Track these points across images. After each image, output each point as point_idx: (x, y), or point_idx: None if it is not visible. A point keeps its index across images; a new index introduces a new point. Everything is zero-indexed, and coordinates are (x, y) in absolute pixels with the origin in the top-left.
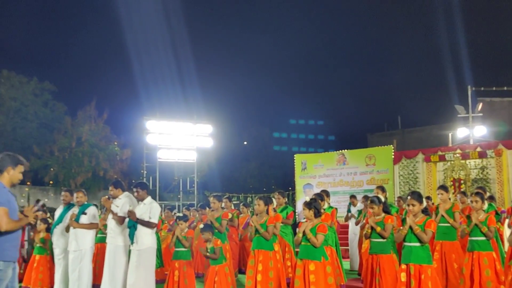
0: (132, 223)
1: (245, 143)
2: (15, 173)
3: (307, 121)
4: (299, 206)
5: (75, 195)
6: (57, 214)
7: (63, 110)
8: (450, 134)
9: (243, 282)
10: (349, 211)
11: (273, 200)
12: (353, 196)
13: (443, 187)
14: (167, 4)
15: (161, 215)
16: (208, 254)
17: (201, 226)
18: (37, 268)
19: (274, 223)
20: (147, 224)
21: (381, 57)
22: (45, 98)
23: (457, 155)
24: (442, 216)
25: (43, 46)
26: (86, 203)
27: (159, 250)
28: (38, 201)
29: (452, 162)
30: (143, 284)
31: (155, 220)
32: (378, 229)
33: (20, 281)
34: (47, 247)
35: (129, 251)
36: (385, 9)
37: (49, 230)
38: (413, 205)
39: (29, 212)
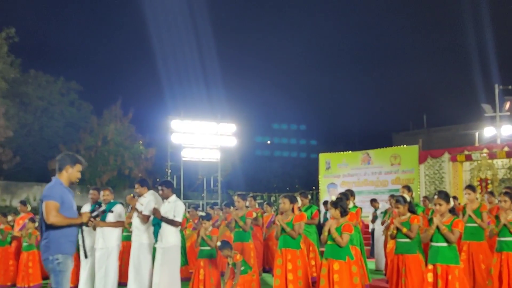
0: (156, 221)
1: (269, 142)
2: (73, 172)
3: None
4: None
5: (102, 193)
6: (84, 211)
7: (89, 110)
8: (476, 134)
9: (267, 281)
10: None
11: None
12: (374, 200)
13: (470, 187)
14: (192, 4)
15: (186, 214)
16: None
17: (219, 244)
18: None
19: (300, 222)
20: (172, 222)
21: (406, 56)
22: (72, 97)
23: (484, 154)
24: (470, 216)
25: (70, 46)
26: (112, 201)
27: (184, 248)
28: (99, 205)
29: (479, 161)
30: (168, 282)
31: (179, 218)
32: (404, 230)
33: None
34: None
35: (154, 249)
36: (411, 7)
37: None
38: (440, 204)
39: (85, 214)
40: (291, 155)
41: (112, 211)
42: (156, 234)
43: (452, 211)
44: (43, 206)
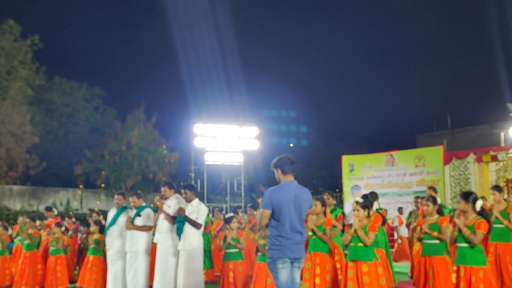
0: (181, 218)
1: (291, 145)
2: None
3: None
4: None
5: (130, 198)
6: (110, 216)
7: (113, 115)
8: (502, 134)
9: None
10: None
11: None
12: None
13: (496, 187)
14: (215, 8)
15: (210, 217)
16: (261, 247)
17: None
18: (91, 269)
19: (331, 225)
20: (194, 223)
21: (429, 55)
22: (96, 103)
23: (510, 155)
24: (496, 217)
25: (93, 52)
26: (142, 205)
27: (209, 251)
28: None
29: (504, 162)
30: (192, 284)
31: (201, 221)
32: (435, 234)
33: (75, 281)
34: (100, 248)
35: (178, 251)
36: (436, 6)
37: (102, 231)
38: (458, 202)
39: None
40: (314, 157)
41: (140, 215)
42: (179, 232)
43: (482, 212)
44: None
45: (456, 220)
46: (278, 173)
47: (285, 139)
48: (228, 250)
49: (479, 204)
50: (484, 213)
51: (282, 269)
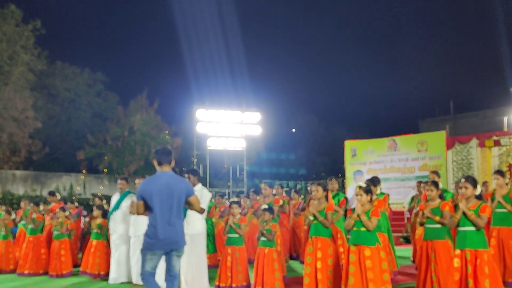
0: None
1: (294, 130)
2: None
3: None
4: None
5: (136, 180)
6: (114, 201)
7: (115, 100)
8: (505, 119)
9: (293, 268)
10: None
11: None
12: None
13: (499, 172)
14: None
15: (213, 201)
16: (264, 232)
17: (265, 206)
18: (94, 253)
19: (333, 210)
20: None
21: (432, 40)
22: (98, 88)
23: None
24: (499, 201)
25: (95, 37)
26: None
27: (212, 236)
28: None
29: (507, 147)
30: (195, 269)
31: (204, 205)
32: (437, 218)
33: (78, 265)
34: (103, 233)
35: None
36: None
37: (105, 216)
38: (466, 188)
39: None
40: (316, 142)
41: None
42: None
43: (479, 197)
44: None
45: (460, 204)
46: (154, 164)
47: (287, 124)
48: (229, 235)
49: (479, 189)
50: (482, 198)
51: (150, 260)
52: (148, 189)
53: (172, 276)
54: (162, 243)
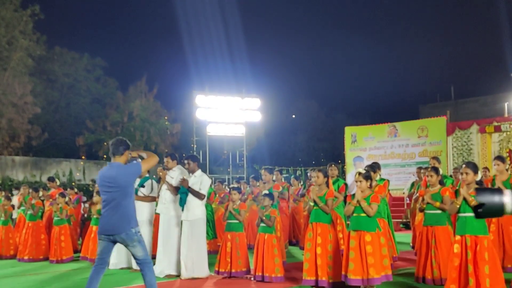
0: (184, 190)
1: (294, 116)
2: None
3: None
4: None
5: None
6: None
7: (114, 86)
8: (506, 104)
9: (293, 253)
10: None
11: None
12: None
13: (500, 158)
14: None
15: (213, 187)
16: (264, 218)
17: (265, 192)
18: (94, 239)
19: (333, 196)
20: (197, 194)
21: (433, 26)
22: (97, 74)
23: None
24: (499, 187)
25: (94, 22)
26: (145, 176)
27: (212, 222)
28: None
29: (508, 132)
30: (196, 254)
31: (204, 191)
32: (437, 204)
33: (78, 251)
34: None
35: (181, 222)
36: None
37: None
38: (466, 173)
39: None
40: (316, 128)
41: (143, 186)
42: (182, 203)
43: (480, 183)
44: None
45: (461, 189)
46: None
47: (287, 110)
48: (229, 221)
49: (480, 175)
50: (482, 184)
51: (99, 243)
52: (98, 178)
53: (139, 263)
54: (105, 229)
